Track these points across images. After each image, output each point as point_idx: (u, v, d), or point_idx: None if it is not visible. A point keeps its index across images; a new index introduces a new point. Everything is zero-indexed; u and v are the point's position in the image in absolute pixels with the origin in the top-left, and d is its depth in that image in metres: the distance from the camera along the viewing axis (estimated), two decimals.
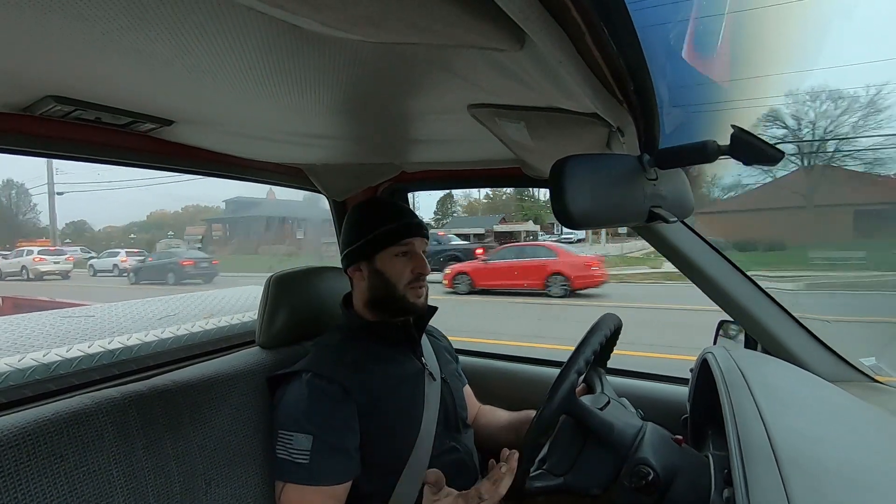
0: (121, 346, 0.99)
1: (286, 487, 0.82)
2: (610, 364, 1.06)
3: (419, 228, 0.98)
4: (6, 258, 16.52)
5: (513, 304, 8.44)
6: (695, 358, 0.91)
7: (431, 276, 1.00)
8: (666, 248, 1.01)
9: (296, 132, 0.91)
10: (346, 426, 0.86)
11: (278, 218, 24.26)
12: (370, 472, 0.88)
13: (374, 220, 0.97)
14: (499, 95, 0.65)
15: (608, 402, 0.85)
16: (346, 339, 0.97)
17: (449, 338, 1.20)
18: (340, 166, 1.27)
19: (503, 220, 29.47)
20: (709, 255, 0.99)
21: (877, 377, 0.95)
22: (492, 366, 1.45)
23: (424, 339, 1.06)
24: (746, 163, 0.52)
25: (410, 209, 1.02)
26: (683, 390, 1.09)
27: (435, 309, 1.03)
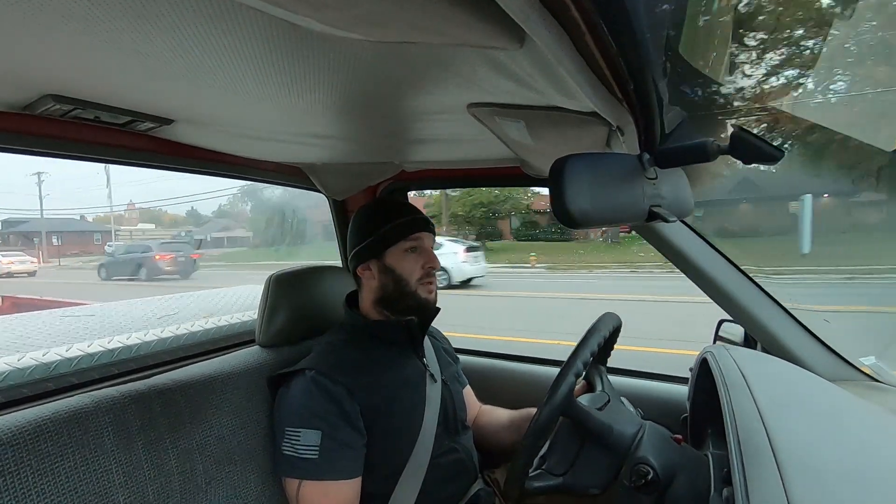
0: (120, 345, 0.99)
1: (304, 484, 0.82)
2: (608, 363, 1.06)
3: (426, 224, 1.00)
4: None
5: None
6: None
7: None
8: (665, 248, 1.01)
9: (295, 132, 0.91)
10: (352, 425, 0.86)
11: (37, 231, 32.08)
12: (371, 472, 0.88)
13: (383, 217, 0.98)
14: (498, 95, 0.65)
15: (608, 401, 0.85)
16: (348, 340, 0.97)
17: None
18: (340, 166, 1.27)
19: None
20: (708, 255, 0.99)
21: (876, 376, 0.95)
22: (493, 365, 1.45)
23: (426, 341, 1.06)
24: (746, 162, 0.52)
25: (415, 206, 1.04)
26: (683, 389, 1.09)
27: (438, 310, 1.03)
